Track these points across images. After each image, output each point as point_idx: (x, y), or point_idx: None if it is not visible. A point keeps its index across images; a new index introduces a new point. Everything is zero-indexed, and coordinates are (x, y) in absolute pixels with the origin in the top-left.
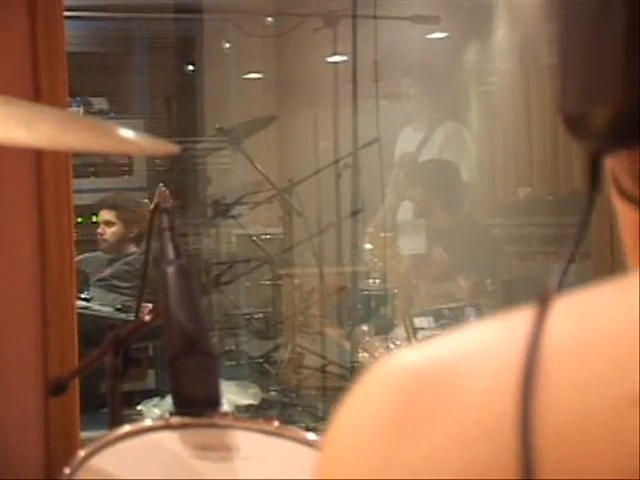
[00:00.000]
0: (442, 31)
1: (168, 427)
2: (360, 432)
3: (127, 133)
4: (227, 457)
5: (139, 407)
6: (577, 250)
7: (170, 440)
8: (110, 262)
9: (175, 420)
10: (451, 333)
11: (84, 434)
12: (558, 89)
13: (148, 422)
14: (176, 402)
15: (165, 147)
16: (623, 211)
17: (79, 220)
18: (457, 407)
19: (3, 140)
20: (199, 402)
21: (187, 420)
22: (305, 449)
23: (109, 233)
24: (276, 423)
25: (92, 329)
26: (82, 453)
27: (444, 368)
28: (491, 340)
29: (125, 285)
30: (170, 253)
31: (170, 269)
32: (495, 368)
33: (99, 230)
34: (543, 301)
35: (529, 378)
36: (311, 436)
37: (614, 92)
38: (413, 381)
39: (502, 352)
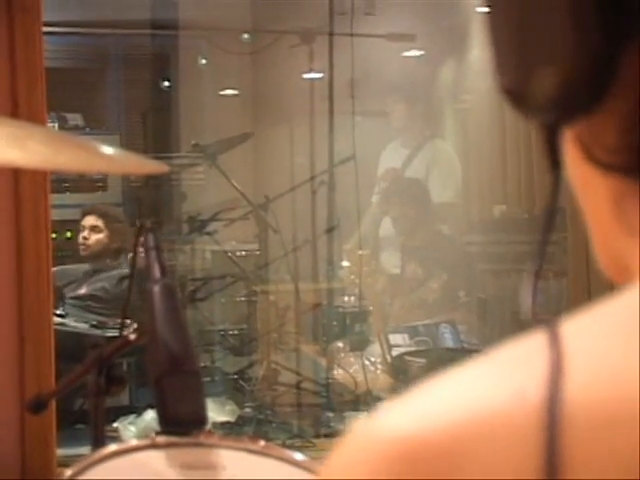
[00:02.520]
0: (418, 49)
1: (154, 446)
2: None
3: (117, 153)
4: (213, 476)
5: (115, 424)
6: (548, 241)
7: (156, 459)
8: (85, 275)
9: (161, 439)
10: (441, 381)
11: (60, 451)
12: (496, 68)
13: (134, 441)
14: (162, 421)
15: (155, 167)
16: (596, 185)
17: (53, 236)
18: None
19: None
20: (185, 421)
21: (173, 439)
22: (290, 468)
23: (94, 240)
24: (262, 442)
25: (68, 345)
26: (69, 472)
27: (444, 440)
28: (498, 396)
29: (100, 306)
30: (156, 272)
31: (156, 288)
32: (508, 435)
33: (83, 235)
34: (554, 338)
35: (552, 456)
36: (297, 455)
37: (560, 57)
38: (407, 457)
39: (515, 416)
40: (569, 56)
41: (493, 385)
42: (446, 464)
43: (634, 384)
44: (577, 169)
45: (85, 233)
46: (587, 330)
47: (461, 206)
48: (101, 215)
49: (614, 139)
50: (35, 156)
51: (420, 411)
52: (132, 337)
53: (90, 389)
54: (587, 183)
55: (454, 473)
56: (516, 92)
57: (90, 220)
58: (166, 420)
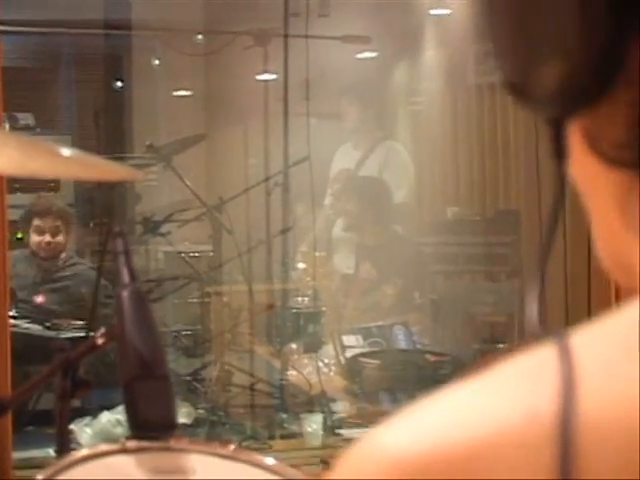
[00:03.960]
0: (372, 51)
1: (124, 451)
2: None
3: (92, 159)
4: None
5: (70, 426)
6: (552, 240)
7: (126, 464)
8: (39, 270)
9: (131, 444)
10: (452, 395)
11: (15, 454)
12: (498, 60)
13: (104, 446)
14: (132, 425)
15: (130, 174)
16: (601, 181)
17: (19, 236)
18: None
19: None
20: (155, 425)
21: (143, 444)
22: (260, 472)
23: (55, 243)
24: (231, 446)
25: (22, 347)
26: (40, 477)
27: (456, 459)
28: (510, 414)
29: (60, 309)
30: (125, 277)
31: (125, 293)
32: (521, 455)
33: (45, 240)
34: (565, 351)
35: (566, 474)
36: (267, 460)
37: (566, 48)
38: (418, 474)
39: (528, 435)
40: (576, 47)
41: (504, 401)
42: (457, 469)
43: None
44: (581, 163)
45: (47, 237)
46: (598, 342)
47: (414, 207)
48: (59, 215)
49: (620, 133)
50: (8, 161)
51: (432, 427)
52: (100, 341)
53: (56, 392)
54: (591, 178)
55: None
56: (520, 85)
57: (49, 222)
58: (136, 424)
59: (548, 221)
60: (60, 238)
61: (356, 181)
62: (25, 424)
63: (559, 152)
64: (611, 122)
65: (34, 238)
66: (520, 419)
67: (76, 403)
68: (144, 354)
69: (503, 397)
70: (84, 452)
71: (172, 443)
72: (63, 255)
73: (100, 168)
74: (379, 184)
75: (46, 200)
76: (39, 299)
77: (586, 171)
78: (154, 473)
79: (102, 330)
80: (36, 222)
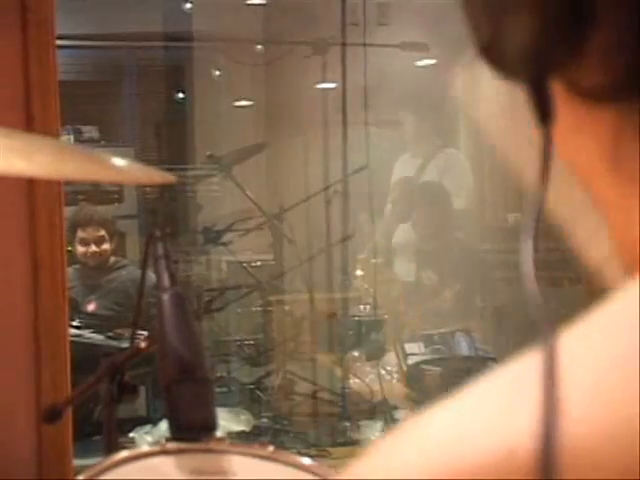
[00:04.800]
0: (431, 58)
1: (164, 452)
2: None
3: (124, 163)
4: None
5: (131, 434)
6: (540, 217)
7: (166, 465)
8: (88, 278)
9: (171, 446)
10: (423, 426)
11: (77, 462)
12: (472, 31)
13: (145, 448)
14: (172, 428)
15: (161, 177)
16: (589, 134)
17: (69, 248)
18: None
19: (3, 170)
20: (195, 428)
21: (183, 445)
22: (300, 473)
23: (101, 251)
24: (271, 448)
25: (84, 357)
26: (81, 478)
27: None
28: (485, 448)
29: (112, 314)
30: (165, 281)
31: (165, 296)
32: None
33: (91, 250)
34: (550, 361)
35: None
36: (306, 461)
37: (534, 4)
38: None
39: (504, 472)
40: (544, 1)
41: (481, 428)
42: None
43: None
44: (566, 123)
45: (93, 247)
46: (590, 344)
47: (474, 214)
48: (102, 224)
49: (601, 77)
50: (40, 166)
51: (405, 461)
52: (143, 345)
53: (103, 398)
54: (577, 131)
55: None
56: (494, 50)
57: (93, 232)
58: (177, 427)
59: (537, 184)
60: (105, 246)
61: (416, 187)
62: (91, 433)
63: (544, 115)
64: (592, 68)
65: (79, 249)
66: (497, 456)
67: (141, 412)
68: (184, 357)
69: (480, 429)
70: (125, 454)
71: (212, 445)
72: (112, 260)
73: (134, 172)
74: (439, 189)
75: (87, 210)
76: (90, 307)
77: (571, 127)
78: (194, 474)
79: (145, 334)
80: (80, 234)
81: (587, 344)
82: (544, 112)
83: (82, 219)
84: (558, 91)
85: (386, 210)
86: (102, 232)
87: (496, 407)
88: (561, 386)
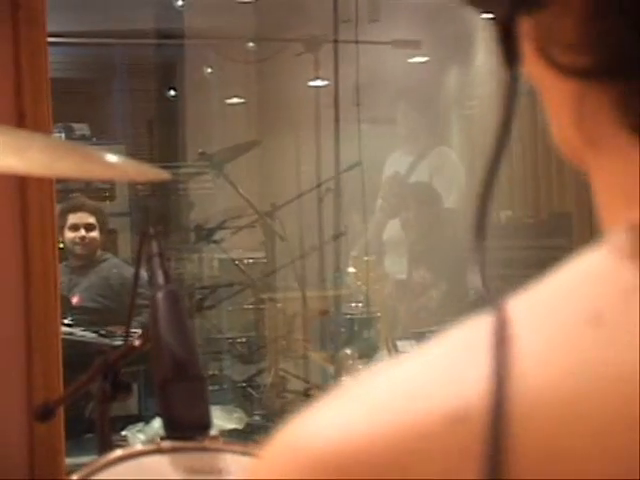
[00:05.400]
0: (423, 55)
1: (159, 451)
2: None
3: (117, 160)
4: None
5: (124, 432)
6: (498, 168)
7: (161, 464)
8: (74, 271)
9: (166, 444)
10: (374, 381)
11: (69, 460)
12: None
13: (139, 446)
14: (166, 426)
15: (154, 174)
16: (554, 88)
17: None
18: None
19: None
20: (189, 426)
21: (178, 444)
22: None
23: (90, 238)
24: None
25: (77, 355)
26: (75, 477)
27: (375, 452)
28: (435, 404)
29: (96, 306)
30: (159, 279)
31: (159, 294)
32: (445, 449)
33: (80, 235)
34: (501, 325)
35: (495, 472)
36: None
37: None
38: (333, 468)
39: (453, 428)
40: None
41: (428, 391)
42: (375, 477)
43: (601, 378)
44: (534, 67)
45: (80, 232)
46: (542, 311)
47: (465, 212)
48: (93, 212)
49: (571, 35)
50: (33, 163)
51: (350, 417)
52: (136, 343)
53: (96, 396)
54: (545, 85)
55: None
56: None
57: (83, 218)
58: (171, 425)
59: (495, 140)
60: (94, 234)
61: (407, 187)
62: (83, 431)
63: (509, 56)
64: (560, 23)
65: (68, 235)
66: (447, 417)
67: (133, 410)
68: (178, 355)
69: (431, 382)
70: (119, 452)
71: (207, 443)
72: (98, 253)
73: (127, 169)
74: (429, 190)
75: (80, 198)
76: (75, 300)
77: (538, 76)
78: (188, 473)
79: (139, 332)
80: (70, 219)
81: (537, 309)
82: (510, 52)
83: (74, 205)
84: (528, 34)
85: (376, 206)
86: (92, 219)
87: (447, 368)
88: (511, 348)
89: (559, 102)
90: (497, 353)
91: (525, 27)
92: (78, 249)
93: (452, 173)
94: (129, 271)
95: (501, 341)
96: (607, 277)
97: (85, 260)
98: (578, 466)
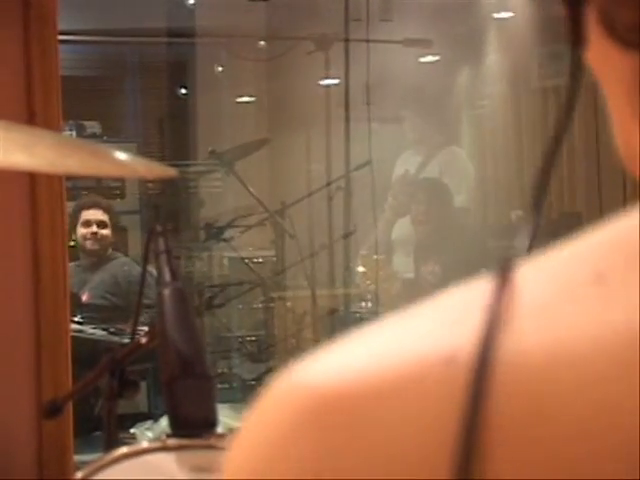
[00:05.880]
0: (434, 54)
1: (165, 449)
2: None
3: (125, 157)
4: None
5: (132, 430)
6: (558, 152)
7: (167, 462)
8: (85, 269)
9: (171, 442)
10: (370, 332)
11: (77, 457)
12: None
13: (145, 444)
14: (172, 424)
15: (163, 171)
16: (614, 65)
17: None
18: (373, 445)
19: (3, 164)
20: (195, 424)
21: (184, 442)
22: None
23: (102, 235)
24: None
25: (86, 352)
26: (79, 475)
27: (355, 393)
28: (422, 350)
29: (105, 303)
30: (166, 276)
31: (166, 292)
32: (425, 393)
33: (91, 230)
34: (502, 285)
35: (472, 421)
36: None
37: None
38: (316, 408)
39: (435, 373)
40: None
41: (421, 337)
42: (357, 417)
43: (600, 336)
44: (597, 48)
45: (92, 229)
46: (544, 277)
47: (474, 211)
48: (106, 210)
49: (632, 14)
50: (41, 160)
51: (338, 362)
52: (143, 340)
53: (103, 393)
54: (605, 63)
55: (365, 427)
56: None
57: (96, 215)
58: (177, 423)
59: (557, 125)
60: (106, 232)
61: (417, 182)
62: (91, 429)
63: (576, 36)
64: (626, 2)
65: (81, 231)
66: (435, 359)
67: (142, 408)
68: (184, 353)
69: (425, 335)
70: (124, 450)
71: (213, 441)
72: (109, 251)
73: (136, 166)
74: (439, 186)
75: (93, 196)
76: (84, 297)
77: (601, 56)
78: (194, 471)
79: (145, 329)
80: (84, 215)
81: (540, 272)
82: (576, 36)
83: (88, 202)
84: (594, 14)
85: (386, 205)
86: (105, 217)
87: (445, 319)
88: (509, 303)
89: (617, 80)
90: (493, 307)
91: (592, 6)
92: (89, 244)
93: (462, 172)
94: (138, 270)
95: (499, 297)
96: (613, 241)
97: (96, 257)
98: (560, 418)
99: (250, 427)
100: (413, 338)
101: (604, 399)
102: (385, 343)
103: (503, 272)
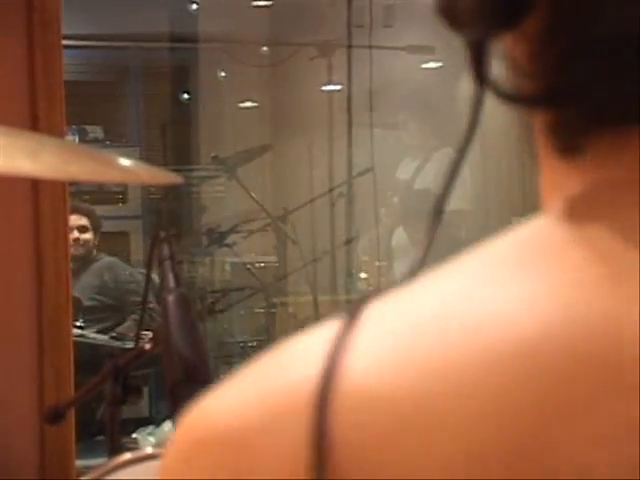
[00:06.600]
0: (437, 61)
1: None
2: None
3: (129, 163)
4: None
5: (134, 435)
6: (459, 169)
7: None
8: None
9: None
10: (250, 370)
11: (79, 462)
12: None
13: (148, 450)
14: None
15: (166, 177)
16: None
17: None
18: None
19: (8, 170)
20: None
21: None
22: None
23: (84, 240)
24: None
25: (88, 357)
26: None
27: (226, 430)
28: (279, 386)
29: (92, 304)
30: (170, 282)
31: (170, 298)
32: (281, 428)
33: (73, 237)
34: (349, 325)
35: (319, 452)
36: None
37: None
38: (199, 442)
39: (287, 408)
40: None
41: (281, 372)
42: (230, 452)
43: (444, 379)
44: None
45: (74, 234)
46: (404, 307)
47: (472, 214)
48: (86, 214)
49: (526, 61)
50: (45, 166)
51: (218, 400)
52: (147, 346)
53: (107, 399)
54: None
55: (239, 461)
56: (446, 9)
57: (76, 220)
58: None
59: (459, 148)
60: (88, 236)
61: (411, 194)
62: (93, 434)
63: (478, 77)
64: (519, 49)
65: None
66: (286, 390)
67: (144, 413)
68: (188, 359)
69: (283, 370)
70: (128, 456)
71: None
72: (93, 253)
73: (139, 172)
74: (431, 197)
75: (74, 201)
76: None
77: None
78: None
79: (149, 335)
80: None
81: (397, 304)
82: (479, 72)
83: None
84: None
85: (381, 214)
86: (85, 221)
87: (294, 355)
88: (353, 336)
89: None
90: (337, 340)
91: (497, 50)
92: (73, 250)
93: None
94: (123, 268)
95: (344, 331)
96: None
97: (80, 261)
98: (396, 443)
99: (164, 455)
100: (275, 373)
101: (441, 420)
102: (257, 380)
103: (353, 309)
